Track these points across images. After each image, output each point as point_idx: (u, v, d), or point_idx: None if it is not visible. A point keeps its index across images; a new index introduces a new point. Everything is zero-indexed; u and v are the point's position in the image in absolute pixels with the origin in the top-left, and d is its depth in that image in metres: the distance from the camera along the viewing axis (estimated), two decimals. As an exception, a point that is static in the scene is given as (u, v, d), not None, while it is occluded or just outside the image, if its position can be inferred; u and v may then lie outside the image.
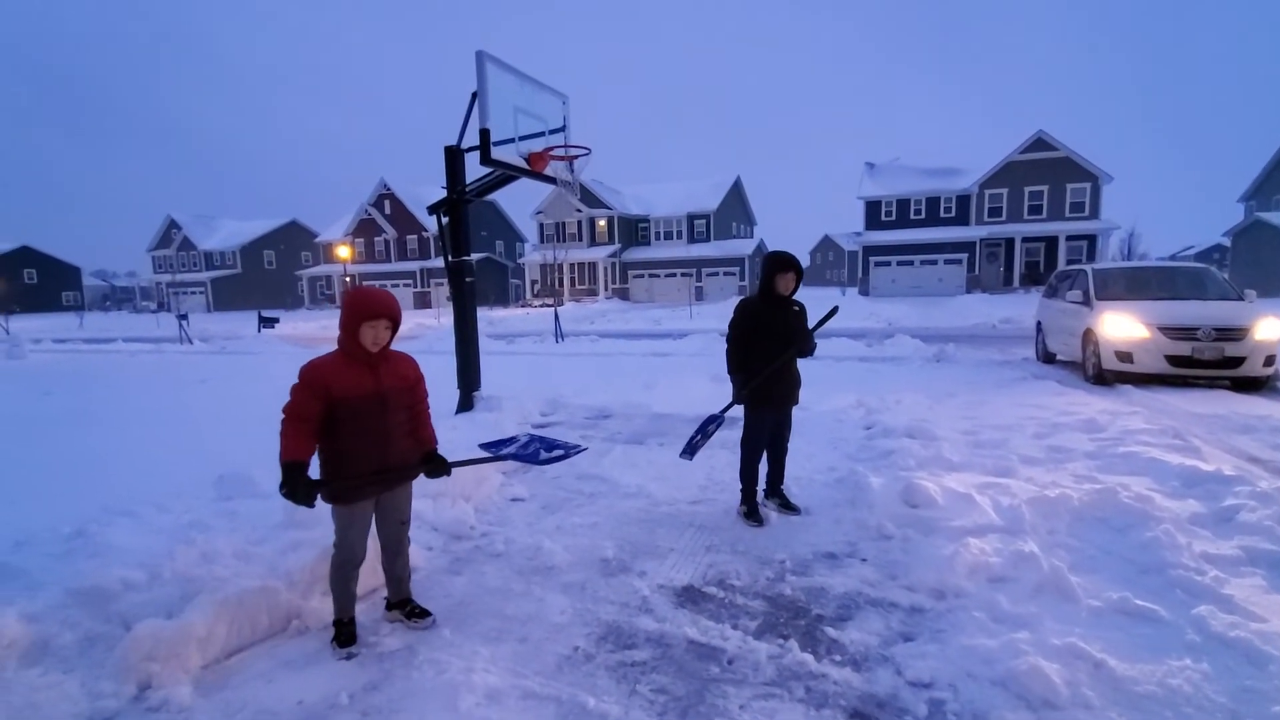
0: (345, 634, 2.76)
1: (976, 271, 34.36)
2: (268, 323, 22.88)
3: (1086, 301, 8.85)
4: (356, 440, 2.60)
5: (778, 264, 3.87)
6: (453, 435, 5.58)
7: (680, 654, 2.63)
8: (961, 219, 35.37)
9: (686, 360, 12.11)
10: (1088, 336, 8.54)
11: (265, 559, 3.21)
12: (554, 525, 4.06)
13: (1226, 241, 37.33)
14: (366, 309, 2.56)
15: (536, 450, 3.21)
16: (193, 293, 54.19)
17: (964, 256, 34.63)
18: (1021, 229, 33.55)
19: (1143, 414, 6.31)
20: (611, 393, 8.18)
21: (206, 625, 2.67)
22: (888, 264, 35.80)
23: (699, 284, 40.81)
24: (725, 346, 4.05)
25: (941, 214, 35.88)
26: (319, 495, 2.56)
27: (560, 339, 17.06)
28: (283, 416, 2.55)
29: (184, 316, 22.58)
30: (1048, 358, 10.59)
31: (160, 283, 56.22)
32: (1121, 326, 7.97)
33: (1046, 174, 33.32)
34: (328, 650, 2.73)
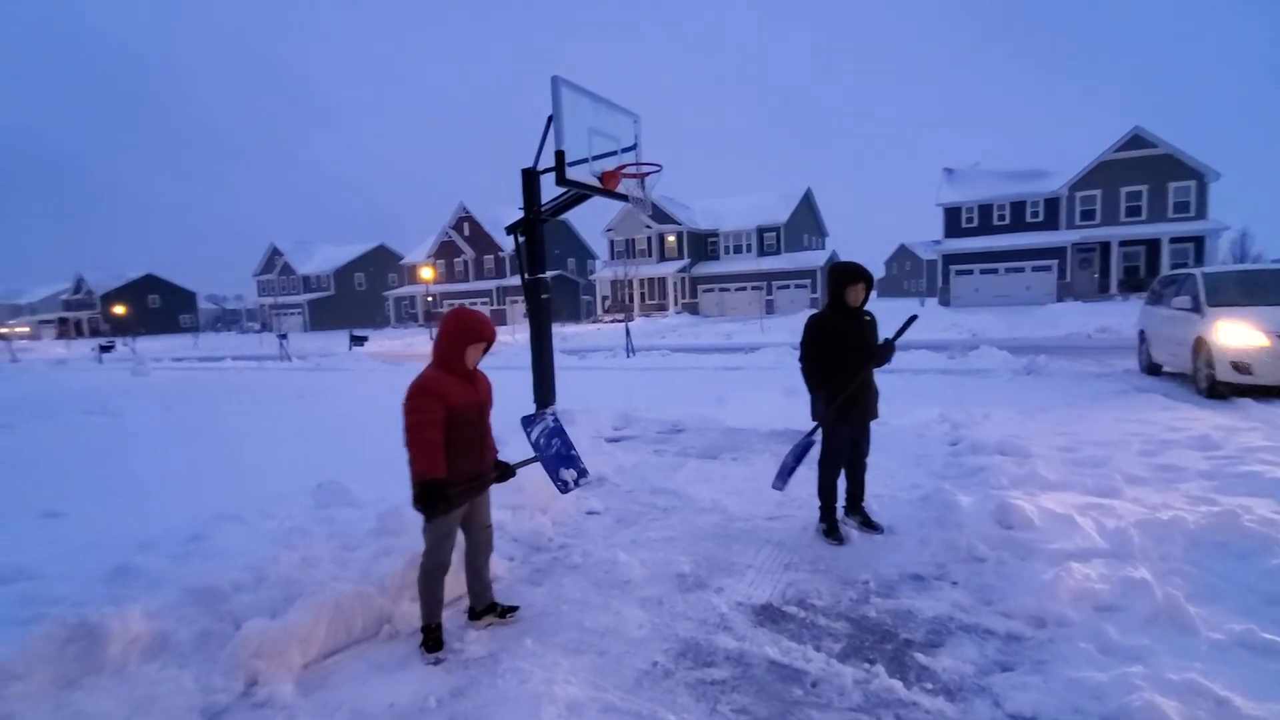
0: (434, 639, 2.87)
1: (1068, 278, 32.26)
2: (358, 341, 24.26)
3: (1197, 308, 8.16)
4: (462, 449, 2.76)
5: (847, 275, 3.76)
6: (527, 448, 5.71)
7: (761, 674, 2.58)
8: (1050, 223, 33.37)
9: (758, 374, 11.95)
10: (1199, 346, 7.86)
11: (359, 564, 3.37)
12: (629, 539, 4.08)
13: (1363, 239, 33.60)
14: (475, 332, 2.78)
15: (557, 452, 3.27)
16: (292, 313, 58.12)
17: (1054, 263, 32.60)
18: (1118, 232, 31.30)
19: (1263, 430, 5.74)
20: (683, 407, 8.17)
21: (307, 626, 2.83)
22: (970, 272, 34.21)
23: (770, 297, 40.28)
24: (800, 365, 3.95)
25: (1028, 218, 33.97)
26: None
27: (631, 354, 17.21)
28: (411, 432, 2.63)
29: (284, 336, 24.24)
30: (1152, 369, 9.81)
31: (264, 305, 60.65)
32: (1238, 335, 7.30)
33: (1145, 173, 31.01)
34: (416, 655, 2.84)
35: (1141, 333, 10.35)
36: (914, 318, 4.10)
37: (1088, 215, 32.45)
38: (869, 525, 3.98)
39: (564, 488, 3.07)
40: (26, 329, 69.96)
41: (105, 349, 29.15)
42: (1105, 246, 31.65)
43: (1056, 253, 32.39)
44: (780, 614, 3.05)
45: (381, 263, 60.69)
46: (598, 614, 3.10)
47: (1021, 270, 33.01)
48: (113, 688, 2.53)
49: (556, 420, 3.21)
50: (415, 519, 3.23)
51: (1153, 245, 30.74)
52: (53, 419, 9.67)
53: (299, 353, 24.41)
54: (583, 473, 3.16)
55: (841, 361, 3.75)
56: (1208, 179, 30.22)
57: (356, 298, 59.48)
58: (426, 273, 40.30)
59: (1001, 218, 34.52)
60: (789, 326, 26.04)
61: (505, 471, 3.02)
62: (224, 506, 4.46)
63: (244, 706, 2.52)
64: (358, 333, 26.97)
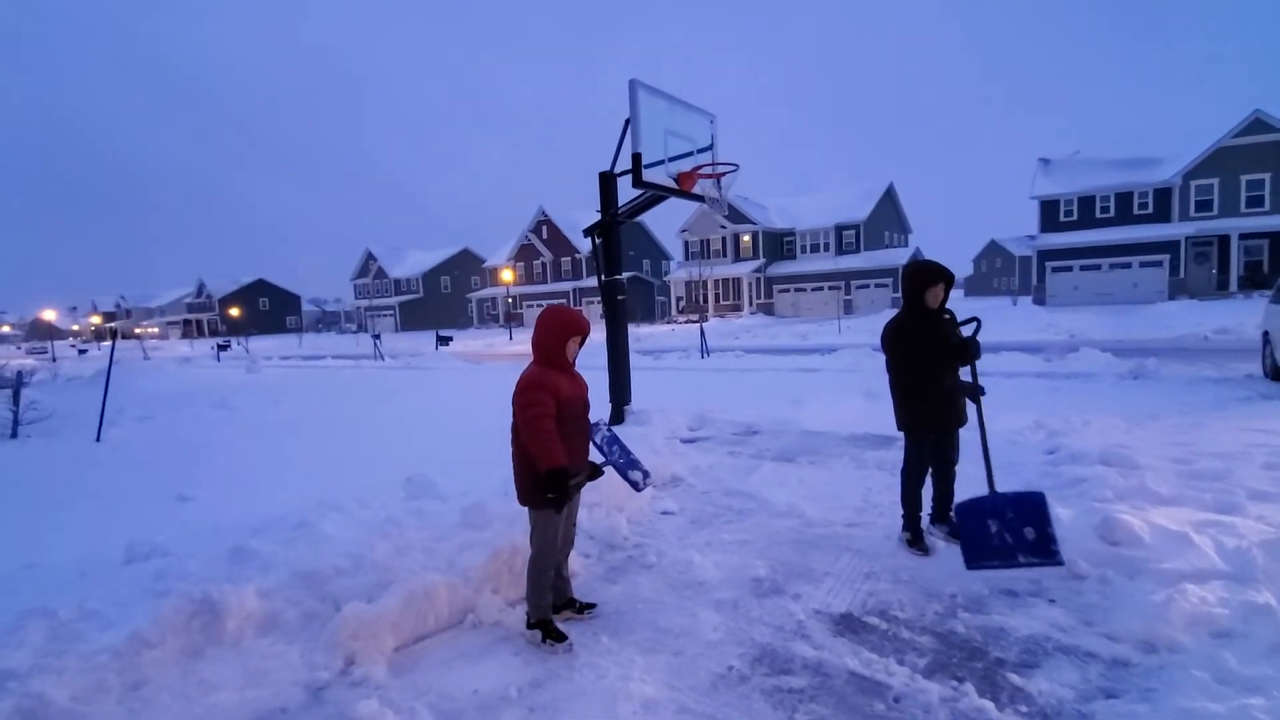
0: (555, 631, 2.92)
1: (1181, 275, 29.57)
2: (444, 341, 25.37)
3: (1339, 307, 7.33)
4: (570, 441, 2.84)
5: (926, 274, 3.56)
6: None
7: (841, 685, 2.52)
8: (1161, 215, 30.69)
9: (836, 376, 11.64)
10: (1343, 349, 7.06)
11: (446, 555, 3.53)
12: (704, 540, 4.08)
13: None
14: (574, 325, 2.87)
15: (619, 457, 3.18)
16: (384, 315, 61.40)
17: (1165, 258, 29.95)
18: (1239, 224, 28.37)
19: None
20: (758, 409, 8.07)
21: (399, 611, 2.99)
22: (1068, 269, 31.94)
23: (848, 297, 39.12)
24: (895, 377, 3.70)
25: (1135, 211, 31.38)
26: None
27: (705, 354, 17.14)
28: (529, 425, 2.71)
29: (377, 336, 25.65)
30: (1278, 374, 8.88)
31: (360, 306, 64.39)
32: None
33: (1269, 159, 27.96)
34: (498, 644, 2.95)
35: (1265, 334, 9.38)
36: (977, 322, 3.59)
37: (1204, 206, 29.62)
38: (956, 536, 3.80)
39: (636, 486, 3.10)
40: (155, 330, 77.36)
41: (222, 348, 31.74)
42: (1224, 240, 28.76)
43: (1168, 247, 29.74)
44: (860, 624, 2.97)
45: (465, 266, 63.14)
46: (672, 614, 3.12)
47: (1128, 266, 30.54)
48: (231, 659, 2.77)
49: (609, 429, 3.26)
50: (499, 513, 3.34)
51: (1277, 238, 27.70)
52: (182, 411, 10.64)
53: (391, 352, 25.75)
54: (646, 474, 3.19)
55: (928, 365, 3.59)
56: (1346, 163, 26.99)
57: (443, 299, 62.13)
58: (507, 275, 41.60)
59: (1105, 210, 32.05)
60: (868, 327, 25.19)
61: (595, 470, 3.09)
62: (326, 495, 4.77)
63: (343, 684, 2.69)
64: (444, 333, 28.20)
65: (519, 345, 29.71)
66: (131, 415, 10.05)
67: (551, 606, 3.11)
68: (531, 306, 51.76)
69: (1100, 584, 3.13)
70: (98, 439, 8.40)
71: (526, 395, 2.74)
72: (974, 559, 3.13)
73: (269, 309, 74.50)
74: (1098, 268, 31.22)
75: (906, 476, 3.82)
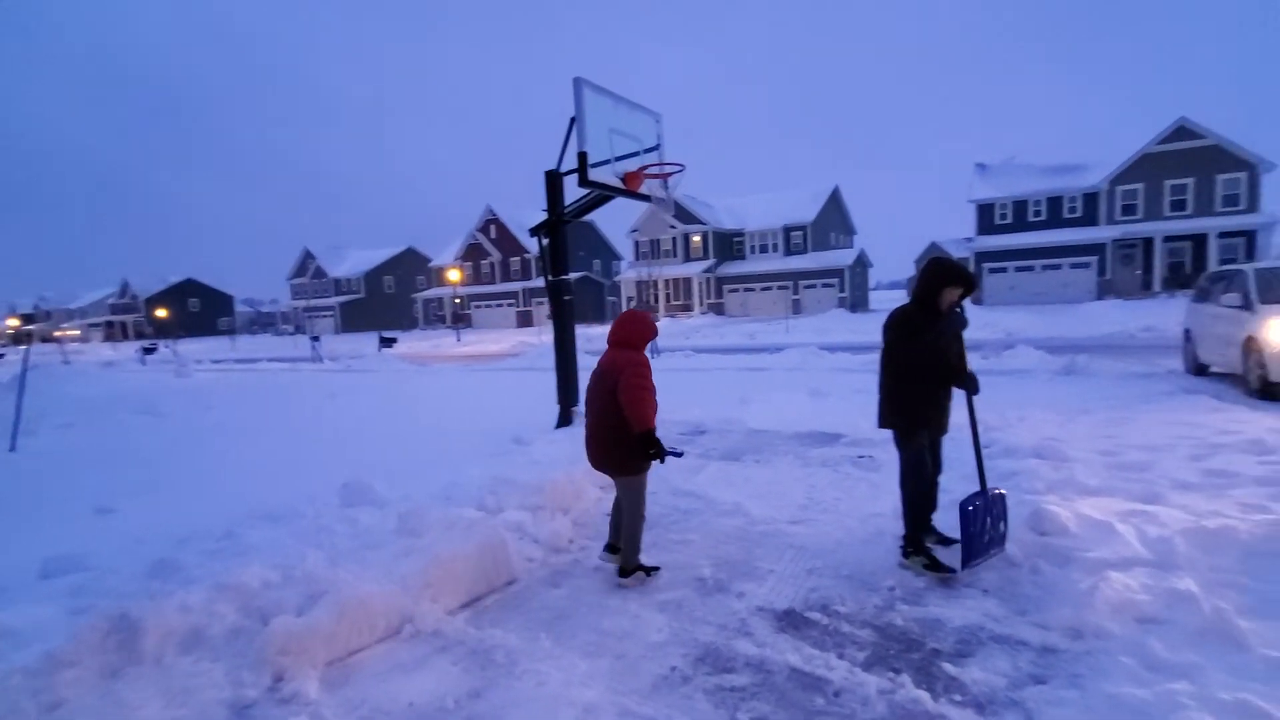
0: (647, 566, 3.45)
1: (1109, 275, 31.25)
2: (387, 343, 24.67)
3: (1247, 305, 7.81)
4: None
5: (948, 274, 3.30)
6: (552, 449, 5.72)
7: (782, 682, 2.52)
8: (1089, 219, 32.37)
9: (783, 375, 11.80)
10: (1250, 345, 7.53)
11: (382, 564, 3.40)
12: (649, 541, 4.02)
13: None
14: (654, 327, 3.55)
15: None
16: (324, 316, 59.36)
17: (1093, 259, 31.60)
18: (1162, 227, 30.17)
19: (1324, 434, 5.46)
20: (706, 408, 8.09)
21: (332, 624, 2.85)
22: (1004, 270, 33.36)
23: (796, 297, 39.85)
24: (888, 373, 3.49)
25: (1065, 214, 33.01)
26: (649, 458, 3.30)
27: (655, 354, 17.16)
28: (641, 392, 3.23)
29: (316, 338, 24.76)
30: (1199, 369, 9.43)
31: (297, 307, 62.04)
32: (1293, 333, 6.97)
33: (1191, 165, 29.86)
34: (436, 655, 2.84)
35: (1187, 331, 9.96)
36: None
37: (1129, 210, 31.39)
38: (944, 540, 3.64)
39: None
40: (77, 332, 72.83)
41: (148, 351, 30.14)
42: (1148, 242, 30.56)
43: (1096, 249, 31.40)
44: (802, 620, 2.98)
45: (410, 265, 61.64)
46: (616, 617, 3.07)
47: (1059, 268, 32.10)
48: (152, 678, 2.61)
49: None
50: (439, 518, 3.22)
51: (1199, 240, 29.59)
52: (106, 418, 10.03)
53: (330, 354, 24.91)
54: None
55: (922, 369, 3.38)
56: (1261, 170, 28.98)
57: (386, 300, 60.49)
58: (454, 275, 40.82)
59: (1038, 213, 33.61)
60: (815, 326, 25.73)
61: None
62: (256, 504, 4.55)
63: (271, 701, 2.55)
64: (387, 334, 27.41)
65: (468, 347, 29.20)
66: (51, 423, 9.45)
67: (607, 547, 3.61)
68: (480, 307, 50.89)
69: (1031, 574, 3.23)
70: (12, 448, 7.85)
71: (638, 369, 3.28)
72: (970, 557, 3.22)
73: (199, 310, 70.96)
74: (1031, 269, 32.70)
75: (909, 481, 3.45)
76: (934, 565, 3.32)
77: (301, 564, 3.34)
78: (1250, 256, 27.95)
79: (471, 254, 51.15)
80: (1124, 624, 2.69)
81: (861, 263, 42.18)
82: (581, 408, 7.41)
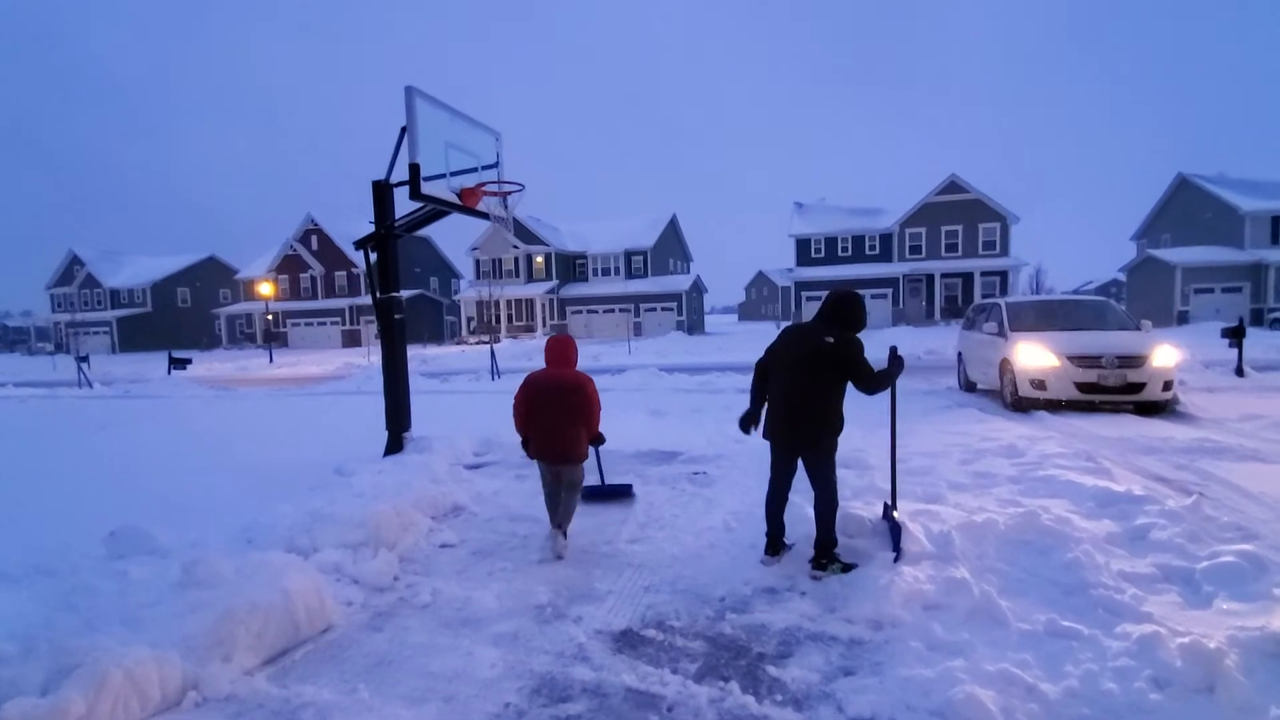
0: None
1: (901, 305, 36.08)
2: (179, 364, 21.47)
3: (1001, 333, 9.35)
4: None
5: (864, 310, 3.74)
6: (379, 480, 5.31)
7: (618, 703, 2.50)
8: (885, 256, 37.22)
9: (624, 395, 12.02)
10: (1004, 366, 9.00)
11: (159, 623, 2.89)
12: (485, 571, 3.87)
13: (1122, 277, 40.56)
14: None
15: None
16: (96, 333, 50.46)
17: (889, 291, 36.34)
18: (940, 265, 35.58)
19: (1057, 438, 6.64)
20: (548, 430, 8.00)
21: (86, 702, 2.37)
22: (818, 299, 37.09)
23: (637, 319, 41.09)
24: (829, 393, 3.66)
25: (867, 251, 37.67)
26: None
27: (496, 376, 16.72)
28: (597, 407, 4.29)
29: (84, 358, 20.96)
30: (969, 386, 11.09)
31: (59, 322, 52.09)
32: (1034, 356, 8.44)
33: (960, 214, 35.60)
34: (228, 724, 2.46)
35: (960, 354, 11.69)
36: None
37: (915, 250, 36.57)
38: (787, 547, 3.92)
39: None
40: None
41: None
42: (931, 278, 35.81)
43: (891, 282, 36.16)
44: (639, 638, 3.00)
45: (211, 277, 54.49)
46: (446, 656, 2.88)
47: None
48: None
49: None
50: (236, 565, 2.82)
51: (968, 277, 35.22)
52: None
53: (104, 378, 21.20)
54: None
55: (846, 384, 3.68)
56: (1010, 221, 35.28)
57: (180, 315, 52.85)
58: (266, 288, 36.87)
59: (845, 249, 37.99)
60: (656, 349, 26.66)
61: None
62: (-15, 564, 3.68)
63: (-10, 814, 2.04)
64: (179, 354, 23.86)
65: (283, 368, 26.41)
66: None
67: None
68: (298, 325, 46.41)
69: (840, 574, 3.53)
70: None
71: (594, 390, 4.30)
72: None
73: (-81, 323, 57.24)
74: (840, 298, 36.71)
75: (833, 496, 3.65)
76: (848, 567, 3.56)
77: (48, 632, 2.75)
78: (1003, 292, 33.74)
79: (289, 266, 46.55)
80: (913, 612, 3.02)
81: (698, 288, 44.56)
82: (413, 432, 6.97)
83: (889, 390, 3.79)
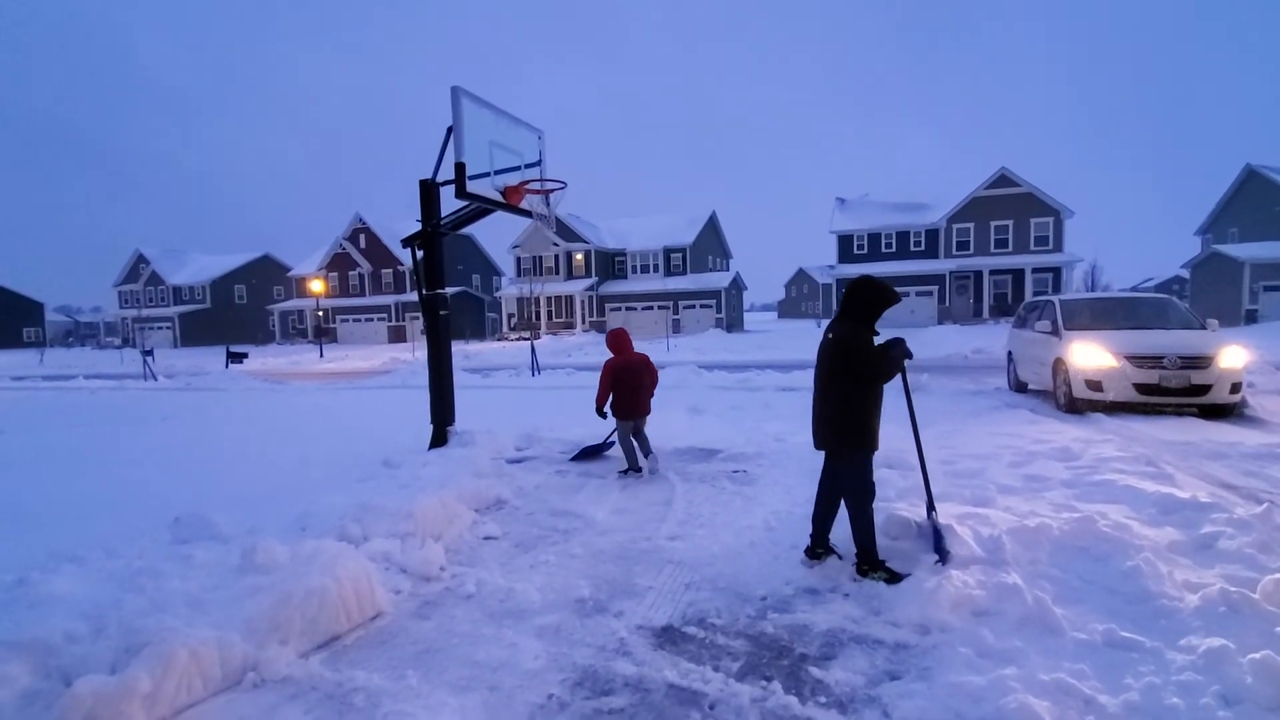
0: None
1: (947, 303, 35.10)
2: (236, 358, 22.39)
3: (1055, 332, 9.02)
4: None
5: (889, 297, 3.49)
6: (424, 472, 5.43)
7: (659, 699, 2.51)
8: (931, 252, 36.25)
9: (663, 393, 12.01)
10: (1058, 366, 8.68)
11: (221, 606, 3.02)
12: (528, 564, 3.92)
13: (1185, 274, 38.70)
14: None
15: None
16: (160, 328, 52.91)
17: (935, 289, 35.40)
18: (989, 262, 34.47)
19: (1115, 441, 6.38)
20: (587, 426, 8.05)
21: (153, 680, 2.49)
22: (860, 296, 36.43)
23: (676, 317, 41.03)
24: (846, 392, 3.49)
25: (912, 247, 36.75)
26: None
27: (536, 372, 16.92)
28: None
29: (149, 352, 22.00)
30: (1020, 387, 10.73)
31: (126, 318, 54.82)
32: (1090, 356, 8.11)
33: (1011, 209, 34.42)
34: (285, 704, 2.56)
35: (1010, 353, 11.32)
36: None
37: (963, 246, 35.51)
38: (836, 553, 3.76)
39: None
40: None
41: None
42: (979, 275, 34.72)
43: (937, 279, 35.21)
44: (680, 635, 3.00)
45: (266, 274, 56.56)
46: (490, 646, 2.93)
47: (906, 295, 35.53)
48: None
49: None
50: (293, 551, 2.93)
51: (1018, 274, 34.04)
52: None
53: (166, 371, 22.23)
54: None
55: (871, 381, 3.46)
56: (1064, 216, 33.92)
57: (237, 312, 55.06)
58: (317, 285, 38.10)
59: (889, 245, 37.14)
60: (695, 346, 26.56)
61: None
62: (62, 544, 3.90)
63: (69, 780, 2.17)
64: (236, 349, 24.87)
65: (333, 363, 27.23)
66: None
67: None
68: (347, 320, 47.78)
69: (883, 580, 3.46)
70: None
71: (653, 367, 6.06)
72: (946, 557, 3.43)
73: (-1, 318, 60.74)
74: (883, 296, 35.94)
75: (865, 502, 3.52)
76: (894, 576, 3.39)
77: (117, 612, 2.90)
78: (1056, 290, 32.48)
79: (338, 264, 47.99)
80: (963, 617, 2.95)
81: (737, 285, 44.23)
82: (457, 426, 7.12)
83: (909, 385, 3.70)
